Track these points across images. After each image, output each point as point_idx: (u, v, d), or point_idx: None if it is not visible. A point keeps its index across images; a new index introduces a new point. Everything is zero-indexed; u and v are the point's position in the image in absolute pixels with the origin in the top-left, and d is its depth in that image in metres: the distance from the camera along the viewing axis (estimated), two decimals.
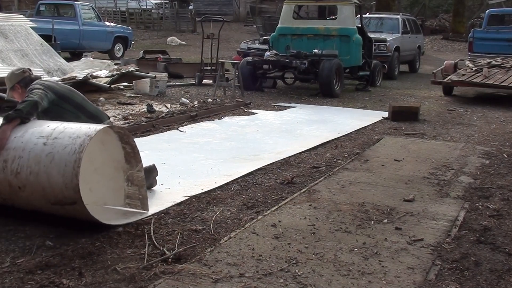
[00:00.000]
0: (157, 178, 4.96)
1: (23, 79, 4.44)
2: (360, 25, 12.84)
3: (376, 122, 8.68)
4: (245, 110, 9.38)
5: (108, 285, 3.10)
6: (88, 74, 9.87)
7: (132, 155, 4.33)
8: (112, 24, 20.13)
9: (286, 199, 4.67)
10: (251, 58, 12.42)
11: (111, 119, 5.33)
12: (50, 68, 10.62)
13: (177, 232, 3.87)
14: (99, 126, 3.97)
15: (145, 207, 4.24)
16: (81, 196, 3.66)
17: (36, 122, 4.10)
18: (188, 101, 9.73)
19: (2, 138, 3.94)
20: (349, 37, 12.04)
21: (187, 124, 7.95)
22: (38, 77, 4.60)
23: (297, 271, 3.30)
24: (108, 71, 10.70)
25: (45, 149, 3.80)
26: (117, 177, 4.29)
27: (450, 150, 6.74)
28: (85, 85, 9.12)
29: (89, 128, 3.89)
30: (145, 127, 7.49)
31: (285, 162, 6.02)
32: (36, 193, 3.81)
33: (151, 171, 4.92)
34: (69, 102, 4.43)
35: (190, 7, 34.19)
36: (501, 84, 10.96)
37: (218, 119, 8.54)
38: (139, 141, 5.30)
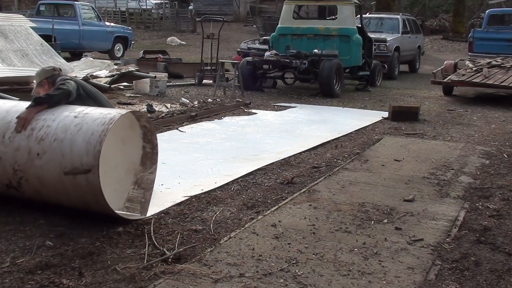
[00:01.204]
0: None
1: (52, 75, 4.57)
2: (360, 25, 12.84)
3: (376, 122, 8.68)
4: (245, 110, 9.38)
5: (108, 285, 3.10)
6: (88, 74, 9.88)
7: (150, 155, 4.37)
8: (112, 24, 20.13)
9: (286, 199, 4.67)
10: (251, 58, 12.42)
11: None
12: None
13: (177, 232, 3.87)
14: (130, 110, 4.06)
15: (144, 211, 4.22)
16: (99, 163, 3.70)
17: (67, 105, 4.21)
18: (188, 101, 9.73)
19: (26, 118, 4.05)
20: (349, 37, 12.04)
21: (187, 124, 7.95)
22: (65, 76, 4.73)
23: (297, 271, 3.30)
24: (108, 71, 10.71)
25: (75, 121, 3.92)
26: (125, 180, 4.30)
27: (450, 150, 6.74)
28: None
29: (121, 109, 3.95)
30: None
31: (285, 162, 6.02)
32: (53, 160, 3.84)
33: None
34: (95, 101, 4.56)
35: (190, 7, 34.21)
36: (501, 84, 10.96)
37: (218, 119, 8.54)
38: None
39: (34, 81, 4.65)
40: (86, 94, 4.53)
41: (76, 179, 3.79)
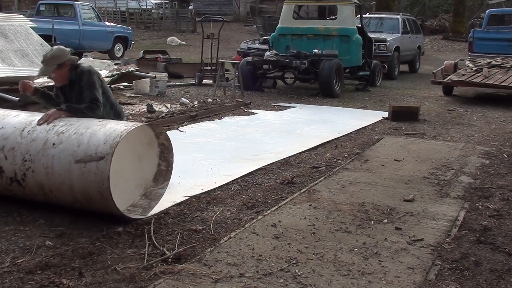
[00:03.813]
0: None
1: (71, 59, 4.53)
2: (360, 25, 12.84)
3: (376, 122, 8.67)
4: (245, 110, 9.38)
5: (108, 285, 3.09)
6: None
7: (164, 173, 4.43)
8: (112, 24, 20.12)
9: (286, 199, 4.66)
10: (251, 58, 12.42)
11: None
12: None
13: (177, 232, 3.87)
14: (151, 125, 4.29)
15: (144, 212, 4.21)
16: (114, 152, 3.76)
17: None
18: (188, 101, 9.73)
19: (52, 116, 4.20)
20: (349, 37, 12.04)
21: (187, 124, 7.95)
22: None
23: (297, 271, 3.30)
24: (108, 71, 10.69)
25: (99, 123, 4.10)
26: (133, 192, 4.30)
27: (450, 150, 6.74)
28: None
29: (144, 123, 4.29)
30: None
31: (285, 162, 6.02)
32: (67, 150, 3.92)
33: None
34: (108, 97, 4.67)
35: (190, 7, 34.20)
36: (501, 84, 10.95)
37: (218, 119, 8.54)
38: None
39: (49, 62, 4.41)
40: (103, 91, 4.58)
41: (86, 166, 3.82)
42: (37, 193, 4.09)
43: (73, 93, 4.51)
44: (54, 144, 3.98)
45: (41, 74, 4.58)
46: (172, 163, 4.46)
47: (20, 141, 4.09)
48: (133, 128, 4.02)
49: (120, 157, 4.03)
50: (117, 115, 4.72)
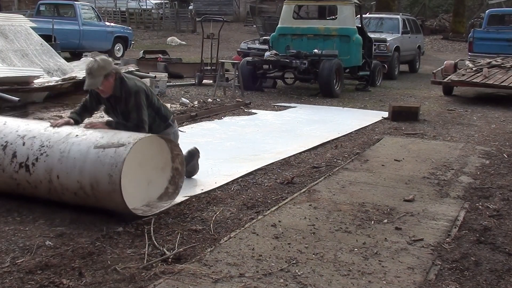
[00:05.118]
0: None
1: (115, 68, 4.59)
2: (360, 25, 12.84)
3: (376, 122, 8.67)
4: (245, 110, 9.38)
5: (108, 285, 3.09)
6: None
7: (170, 194, 4.45)
8: (112, 24, 20.12)
9: (286, 199, 4.66)
10: (251, 58, 12.42)
11: None
12: (50, 68, 10.61)
13: (177, 232, 3.87)
14: (174, 146, 4.46)
15: (144, 213, 4.20)
16: (135, 142, 3.93)
17: None
18: (188, 101, 9.73)
19: (96, 126, 4.40)
20: (349, 37, 12.04)
21: (187, 124, 7.95)
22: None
23: (297, 271, 3.30)
24: None
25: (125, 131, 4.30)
26: (136, 204, 4.28)
27: (450, 150, 6.74)
28: None
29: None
30: None
31: (285, 162, 6.02)
32: (89, 139, 4.09)
33: (193, 156, 5.28)
34: (153, 106, 4.72)
35: (190, 7, 34.21)
36: (501, 84, 10.95)
37: (218, 119, 8.54)
38: None
39: (97, 74, 4.39)
40: (148, 105, 4.63)
41: (104, 151, 3.94)
42: (42, 180, 4.11)
43: (119, 107, 4.55)
44: (77, 135, 4.16)
45: (89, 86, 4.48)
46: (181, 186, 4.49)
47: (43, 133, 4.28)
48: (157, 135, 4.36)
49: (130, 180, 4.05)
50: (163, 119, 4.81)
